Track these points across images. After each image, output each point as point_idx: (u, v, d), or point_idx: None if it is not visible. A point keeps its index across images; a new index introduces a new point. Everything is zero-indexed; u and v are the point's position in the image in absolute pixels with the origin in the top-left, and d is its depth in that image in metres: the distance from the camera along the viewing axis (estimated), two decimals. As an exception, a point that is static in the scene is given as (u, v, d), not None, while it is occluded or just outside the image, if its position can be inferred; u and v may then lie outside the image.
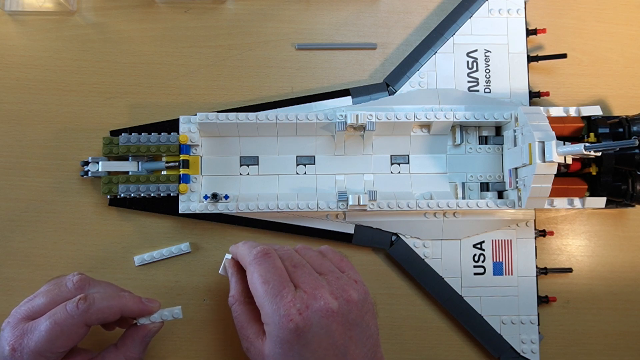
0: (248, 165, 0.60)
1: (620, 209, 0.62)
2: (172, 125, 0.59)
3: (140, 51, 0.62)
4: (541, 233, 0.60)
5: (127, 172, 0.58)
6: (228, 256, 0.50)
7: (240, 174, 0.60)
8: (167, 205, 0.58)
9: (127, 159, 0.59)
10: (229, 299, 0.48)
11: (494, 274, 0.59)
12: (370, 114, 0.56)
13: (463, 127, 0.60)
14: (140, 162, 0.58)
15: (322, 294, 0.42)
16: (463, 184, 0.60)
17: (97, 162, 0.58)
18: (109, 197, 0.58)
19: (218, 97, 0.62)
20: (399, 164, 0.60)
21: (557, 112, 0.58)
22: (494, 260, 0.59)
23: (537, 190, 0.52)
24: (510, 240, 0.59)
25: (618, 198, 0.56)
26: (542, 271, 0.59)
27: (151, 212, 0.59)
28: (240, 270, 0.48)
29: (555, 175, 0.51)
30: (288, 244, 0.60)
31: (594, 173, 0.55)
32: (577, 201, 0.56)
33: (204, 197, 0.57)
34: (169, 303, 0.57)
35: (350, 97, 0.60)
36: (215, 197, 0.55)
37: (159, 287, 0.59)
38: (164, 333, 0.57)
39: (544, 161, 0.50)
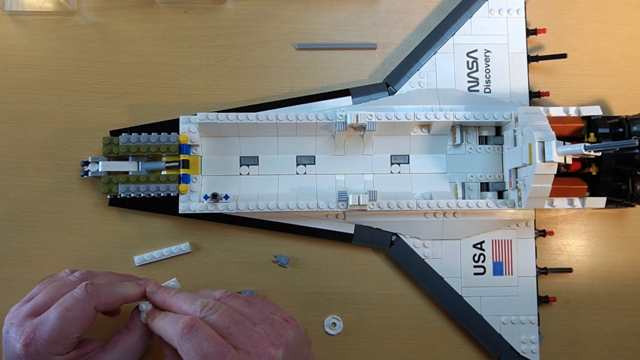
0: (248, 165, 0.60)
1: (620, 209, 0.62)
2: (172, 125, 0.59)
3: (140, 51, 0.62)
4: (541, 233, 0.60)
5: (127, 172, 0.58)
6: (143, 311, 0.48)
7: (240, 174, 0.60)
8: (167, 205, 0.58)
9: (127, 159, 0.59)
10: None
11: (494, 274, 0.59)
12: (370, 114, 0.56)
13: (463, 127, 0.60)
14: (140, 162, 0.58)
15: (264, 349, 0.42)
16: (463, 184, 0.60)
17: (97, 162, 0.58)
18: (109, 197, 0.59)
19: (218, 97, 0.62)
20: (399, 164, 0.60)
21: (557, 112, 0.58)
22: (494, 260, 0.59)
23: (537, 190, 0.52)
24: (510, 240, 0.59)
25: (618, 198, 0.55)
26: (542, 271, 0.59)
27: (151, 212, 0.59)
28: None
29: (555, 175, 0.51)
30: (288, 244, 0.60)
31: (594, 173, 0.55)
32: (577, 201, 0.56)
33: (204, 197, 0.57)
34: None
35: (350, 97, 0.60)
36: (215, 197, 0.55)
37: (159, 287, 0.59)
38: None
39: (544, 161, 0.50)
